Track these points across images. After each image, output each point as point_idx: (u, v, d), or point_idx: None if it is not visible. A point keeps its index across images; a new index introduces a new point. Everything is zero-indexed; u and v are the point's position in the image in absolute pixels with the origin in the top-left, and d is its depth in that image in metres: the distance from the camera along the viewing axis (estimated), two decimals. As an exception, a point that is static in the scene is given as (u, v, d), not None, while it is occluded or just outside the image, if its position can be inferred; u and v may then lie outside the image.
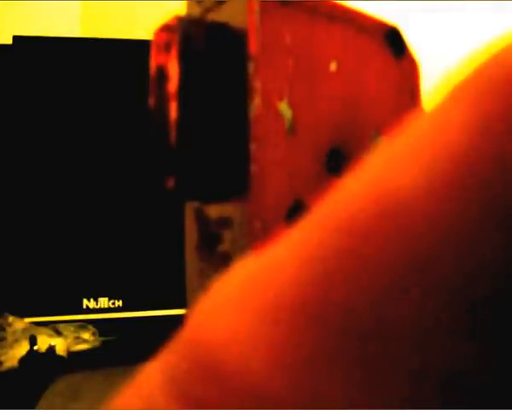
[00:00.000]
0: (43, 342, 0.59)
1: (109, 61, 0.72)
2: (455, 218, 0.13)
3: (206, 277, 0.30)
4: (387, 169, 0.15)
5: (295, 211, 0.30)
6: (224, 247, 0.29)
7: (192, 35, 0.28)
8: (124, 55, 0.73)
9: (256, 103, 0.28)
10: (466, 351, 0.13)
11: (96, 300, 0.71)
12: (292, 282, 0.15)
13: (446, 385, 0.13)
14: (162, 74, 0.28)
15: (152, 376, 0.17)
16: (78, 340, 0.62)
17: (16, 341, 0.58)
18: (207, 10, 0.31)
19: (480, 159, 0.13)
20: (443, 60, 0.83)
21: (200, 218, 0.31)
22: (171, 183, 0.28)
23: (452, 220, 0.13)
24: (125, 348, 0.68)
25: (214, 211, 0.30)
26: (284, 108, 0.30)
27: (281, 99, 0.29)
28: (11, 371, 0.57)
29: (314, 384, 0.14)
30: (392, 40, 0.35)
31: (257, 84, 0.28)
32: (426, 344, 0.13)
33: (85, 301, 0.70)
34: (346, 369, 0.14)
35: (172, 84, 0.27)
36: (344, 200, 0.15)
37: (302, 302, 0.15)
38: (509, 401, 0.13)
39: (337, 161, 0.32)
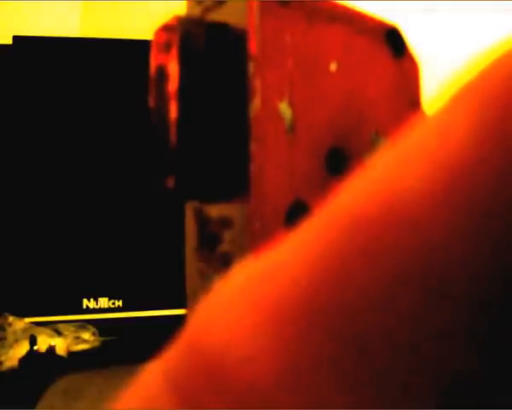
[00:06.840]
0: (43, 342, 0.59)
1: (109, 61, 0.72)
2: (458, 221, 0.13)
3: (205, 277, 0.30)
4: (392, 172, 0.15)
5: (295, 211, 0.30)
6: (224, 247, 0.29)
7: (192, 35, 0.28)
8: (124, 55, 0.73)
9: (256, 103, 0.28)
10: (468, 354, 0.13)
11: (96, 300, 0.71)
12: (294, 285, 0.15)
13: (446, 386, 0.13)
14: (162, 74, 0.28)
15: (153, 377, 0.17)
16: (78, 340, 0.62)
17: (16, 341, 0.58)
18: (207, 10, 0.31)
19: (485, 164, 0.13)
20: (443, 60, 0.83)
21: (200, 218, 0.31)
22: (171, 183, 0.28)
23: (456, 223, 0.13)
24: (125, 348, 0.67)
25: (214, 211, 0.30)
26: (284, 108, 0.30)
27: (281, 99, 0.29)
28: (11, 371, 0.57)
29: (313, 387, 0.14)
30: (392, 40, 0.35)
31: (257, 84, 0.28)
32: (429, 345, 0.13)
33: (85, 301, 0.70)
34: (347, 371, 0.14)
35: (172, 84, 0.27)
36: (349, 202, 0.15)
37: (304, 306, 0.15)
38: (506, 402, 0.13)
39: (337, 161, 0.32)
